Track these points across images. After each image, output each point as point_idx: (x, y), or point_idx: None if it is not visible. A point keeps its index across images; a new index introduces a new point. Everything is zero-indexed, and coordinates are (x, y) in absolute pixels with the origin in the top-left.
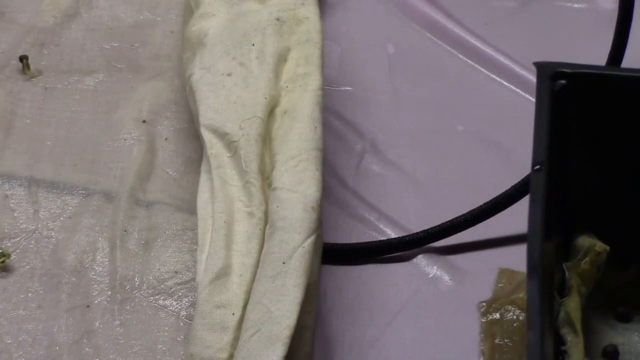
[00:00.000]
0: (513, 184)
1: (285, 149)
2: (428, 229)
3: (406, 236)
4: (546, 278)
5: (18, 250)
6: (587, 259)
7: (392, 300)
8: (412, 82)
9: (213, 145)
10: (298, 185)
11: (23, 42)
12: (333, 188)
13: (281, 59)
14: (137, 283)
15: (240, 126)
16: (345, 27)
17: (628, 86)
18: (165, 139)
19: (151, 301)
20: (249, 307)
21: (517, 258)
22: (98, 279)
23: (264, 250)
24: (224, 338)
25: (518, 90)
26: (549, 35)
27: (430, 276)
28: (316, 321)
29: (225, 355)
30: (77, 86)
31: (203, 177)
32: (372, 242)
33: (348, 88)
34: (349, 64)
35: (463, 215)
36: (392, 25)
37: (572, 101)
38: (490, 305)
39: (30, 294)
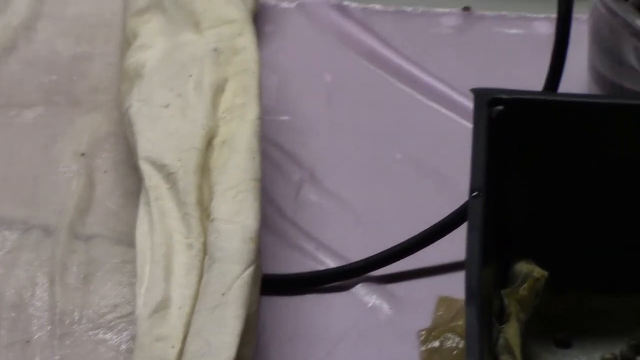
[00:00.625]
0: (452, 210)
1: (223, 179)
2: (367, 258)
3: (345, 265)
4: (484, 305)
5: None
6: (525, 285)
7: (332, 330)
8: (350, 110)
9: (151, 177)
10: (236, 216)
11: None
12: (272, 218)
13: (219, 89)
14: (77, 317)
15: (178, 157)
16: (282, 56)
17: (565, 111)
18: (105, 171)
19: (91, 335)
20: (189, 339)
21: (456, 285)
22: (37, 314)
23: (203, 281)
24: None
25: (456, 117)
26: (486, 61)
27: (369, 305)
28: (255, 352)
29: None
30: (15, 120)
31: (142, 210)
32: (311, 272)
33: (286, 117)
34: (287, 93)
35: (402, 243)
36: (330, 54)
37: (509, 127)
38: (429, 334)
39: None
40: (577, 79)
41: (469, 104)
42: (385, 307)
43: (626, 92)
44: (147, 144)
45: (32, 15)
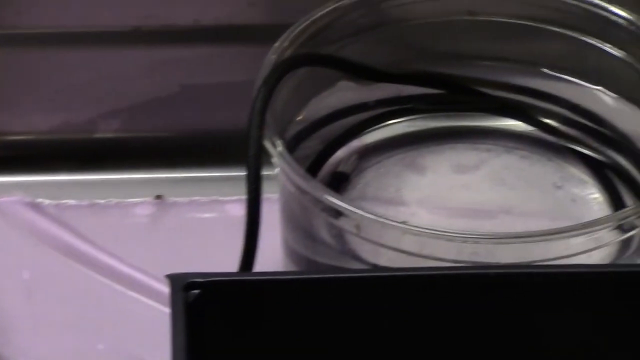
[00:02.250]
0: None
1: None
2: None
3: None
4: None
5: None
6: None
7: None
8: (51, 305)
9: None
10: None
11: None
12: None
13: None
14: None
15: None
16: None
17: (261, 290)
18: None
19: None
20: None
21: None
22: None
23: None
24: None
25: (157, 304)
26: (182, 247)
27: None
28: None
29: None
30: None
31: None
32: None
33: None
34: None
35: None
36: (27, 252)
37: (208, 309)
38: None
39: None
40: (272, 258)
41: (167, 290)
42: None
43: (321, 267)
44: None
45: None
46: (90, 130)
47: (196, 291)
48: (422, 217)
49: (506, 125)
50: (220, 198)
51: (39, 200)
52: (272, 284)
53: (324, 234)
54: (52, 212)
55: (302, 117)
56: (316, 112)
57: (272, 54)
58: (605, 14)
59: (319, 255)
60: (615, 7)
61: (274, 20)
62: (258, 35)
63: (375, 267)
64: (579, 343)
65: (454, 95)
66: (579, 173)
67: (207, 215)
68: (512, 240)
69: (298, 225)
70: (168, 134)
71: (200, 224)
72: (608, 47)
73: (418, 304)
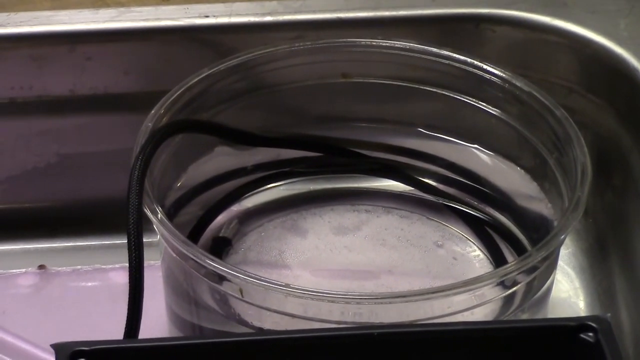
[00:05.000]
0: None
1: None
2: None
3: None
4: None
5: None
6: None
7: None
8: None
9: None
10: None
11: None
12: None
13: None
14: None
15: None
16: None
17: (147, 356)
18: None
19: None
20: None
21: None
22: None
23: None
24: None
25: None
26: (67, 316)
27: None
28: None
29: None
30: None
31: None
32: None
33: None
34: None
35: None
36: None
37: None
38: None
39: None
40: (157, 324)
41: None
42: None
43: (206, 332)
44: None
45: None
46: None
47: (82, 359)
48: (305, 279)
49: (385, 185)
50: (103, 266)
51: None
52: (157, 350)
53: (208, 299)
54: None
55: (181, 183)
56: (195, 178)
57: (149, 122)
58: (479, 72)
59: (203, 320)
60: (489, 65)
61: (150, 88)
62: (134, 103)
63: (260, 331)
64: None
65: (331, 157)
66: (458, 231)
67: (90, 283)
68: (395, 300)
69: (181, 291)
70: (48, 204)
71: (83, 292)
72: (483, 105)
73: None
